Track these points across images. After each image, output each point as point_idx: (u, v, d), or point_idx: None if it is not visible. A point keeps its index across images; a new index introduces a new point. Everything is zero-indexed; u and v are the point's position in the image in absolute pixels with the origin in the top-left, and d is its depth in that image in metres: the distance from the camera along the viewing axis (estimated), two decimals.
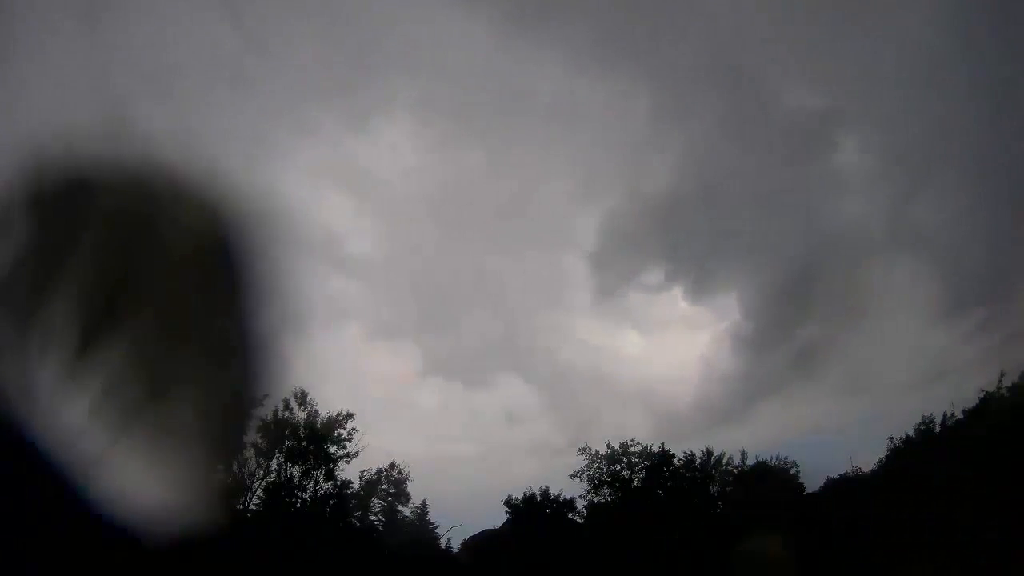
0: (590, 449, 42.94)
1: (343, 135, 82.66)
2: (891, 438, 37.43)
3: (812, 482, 41.51)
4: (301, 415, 36.30)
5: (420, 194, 79.88)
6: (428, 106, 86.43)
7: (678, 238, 75.38)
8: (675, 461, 42.35)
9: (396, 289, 78.96)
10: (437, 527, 42.35)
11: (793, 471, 41.78)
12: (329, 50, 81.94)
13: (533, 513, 42.09)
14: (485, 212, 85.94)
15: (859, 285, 58.67)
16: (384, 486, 39.41)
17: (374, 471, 38.77)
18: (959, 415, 34.34)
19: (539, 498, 42.91)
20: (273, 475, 35.46)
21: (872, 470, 38.44)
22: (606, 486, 42.69)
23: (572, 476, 42.86)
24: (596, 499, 42.68)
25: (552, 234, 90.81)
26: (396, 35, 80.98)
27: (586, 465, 42.87)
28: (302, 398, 36.41)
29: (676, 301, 75.97)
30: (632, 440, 42.93)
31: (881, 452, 38.03)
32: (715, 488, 42.49)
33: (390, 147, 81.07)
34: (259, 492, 35.16)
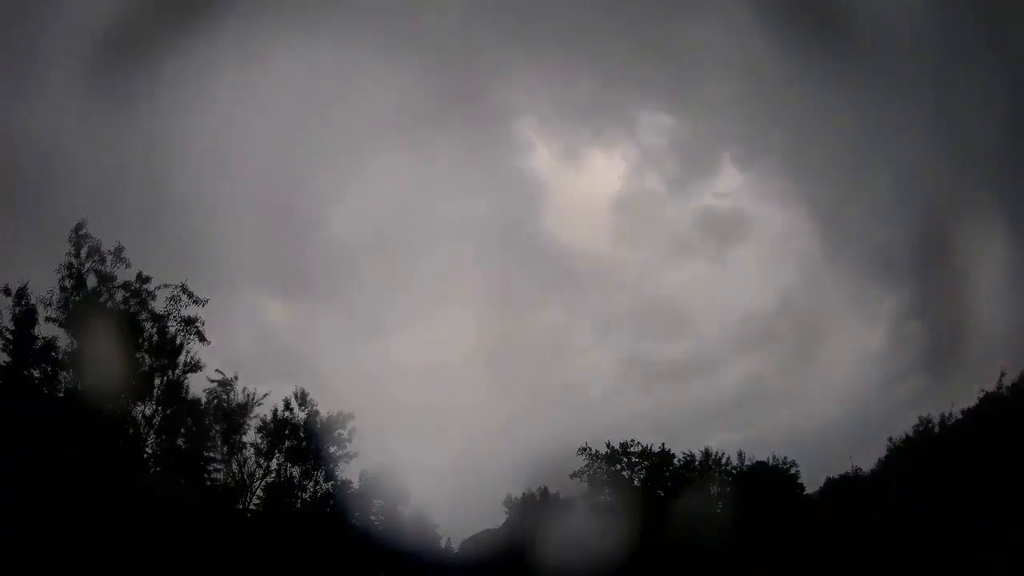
0: (590, 449, 42.90)
1: None
2: (891, 438, 37.38)
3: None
4: (301, 415, 36.27)
5: None
6: None
7: None
8: (675, 461, 42.35)
9: None
10: (437, 527, 42.33)
11: (792, 471, 41.78)
12: None
13: (532, 513, 41.99)
14: None
15: None
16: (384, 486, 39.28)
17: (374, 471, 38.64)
18: (959, 415, 34.28)
19: (538, 498, 42.86)
20: (273, 475, 35.44)
21: (872, 470, 38.43)
22: (606, 486, 42.62)
23: (572, 476, 42.82)
24: (596, 499, 42.60)
25: None
26: None
27: (586, 465, 42.83)
28: (302, 398, 36.41)
29: None
30: (632, 440, 42.96)
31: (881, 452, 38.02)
32: (715, 488, 42.40)
33: None
34: (259, 492, 35.17)
